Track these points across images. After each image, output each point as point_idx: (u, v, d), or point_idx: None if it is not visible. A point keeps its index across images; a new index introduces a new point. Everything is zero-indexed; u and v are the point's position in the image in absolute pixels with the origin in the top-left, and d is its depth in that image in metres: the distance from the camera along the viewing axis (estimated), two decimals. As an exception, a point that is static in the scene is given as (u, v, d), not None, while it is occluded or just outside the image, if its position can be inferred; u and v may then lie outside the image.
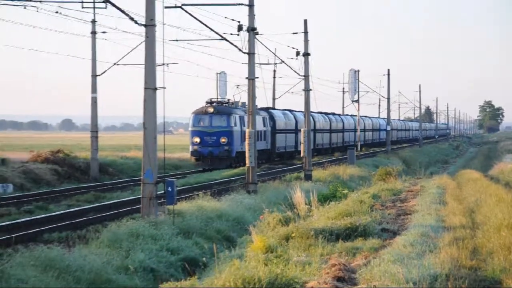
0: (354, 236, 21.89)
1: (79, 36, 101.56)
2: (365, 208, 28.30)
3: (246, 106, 66.72)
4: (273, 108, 79.17)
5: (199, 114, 62.42)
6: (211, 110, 62.05)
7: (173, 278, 19.21)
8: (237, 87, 71.52)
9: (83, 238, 25.51)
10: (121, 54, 52.61)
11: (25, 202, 36.87)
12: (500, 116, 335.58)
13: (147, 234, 24.61)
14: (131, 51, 51.12)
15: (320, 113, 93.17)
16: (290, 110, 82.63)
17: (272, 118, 73.50)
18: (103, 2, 31.04)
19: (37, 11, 34.82)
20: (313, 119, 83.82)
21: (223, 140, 60.70)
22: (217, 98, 67.87)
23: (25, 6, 33.75)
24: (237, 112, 64.01)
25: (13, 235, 24.85)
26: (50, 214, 32.39)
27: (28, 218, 30.85)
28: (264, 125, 70.35)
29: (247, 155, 43.41)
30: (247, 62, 43.69)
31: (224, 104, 64.95)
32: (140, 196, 29.48)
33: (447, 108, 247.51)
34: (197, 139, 60.99)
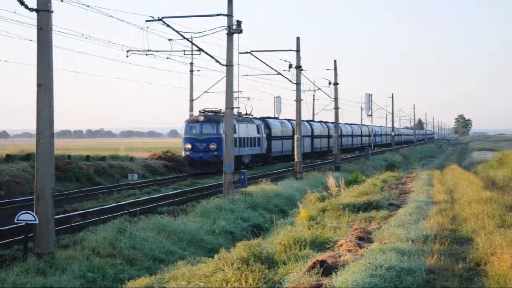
0: (370, 209, 21.62)
1: (182, 73, 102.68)
2: (377, 189, 27.99)
3: (242, 116, 54.06)
4: (270, 118, 63.92)
5: (191, 122, 48.27)
6: (201, 118, 48.02)
7: (245, 238, 19.12)
8: (235, 99, 61.26)
9: (184, 211, 25.57)
10: (209, 85, 53.04)
11: (145, 186, 37.16)
12: (469, 125, 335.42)
13: (227, 208, 24.59)
14: (216, 83, 51.55)
15: (346, 123, 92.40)
16: (289, 120, 67.99)
17: (267, 126, 59.66)
18: (198, 50, 31.12)
19: (155, 57, 35.19)
20: (327, 127, 78.55)
21: (212, 146, 46.84)
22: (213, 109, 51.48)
23: (147, 54, 34.17)
24: None
25: (137, 208, 25.03)
26: (161, 194, 32.58)
27: (147, 197, 31.07)
28: (259, 132, 55.96)
29: (295, 153, 43.20)
30: (295, 89, 43.76)
31: (215, 113, 50.43)
32: (222, 181, 29.54)
33: (433, 119, 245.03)
34: (189, 146, 47.08)
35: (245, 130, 52.32)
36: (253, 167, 54.94)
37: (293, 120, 68.31)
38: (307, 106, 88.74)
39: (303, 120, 67.97)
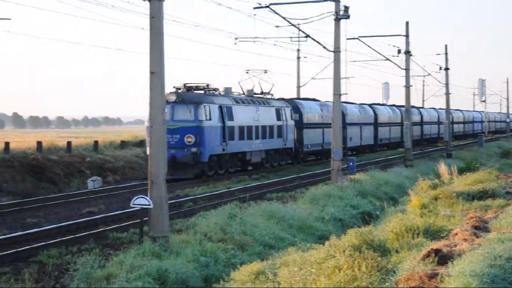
0: (485, 197, 20.91)
1: (289, 60, 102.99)
2: (493, 177, 27.01)
3: (254, 95, 40.15)
4: (301, 99, 48.93)
5: None
6: (173, 98, 31.80)
7: (355, 225, 18.93)
8: (247, 72, 41.03)
9: (293, 197, 25.67)
10: (316, 71, 52.59)
11: (254, 173, 37.48)
12: None
13: (336, 195, 24.50)
14: (323, 69, 51.29)
15: (458, 109, 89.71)
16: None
17: (297, 110, 43.68)
18: (305, 36, 31.04)
19: (262, 44, 35.49)
20: (420, 113, 69.40)
21: (189, 139, 31.43)
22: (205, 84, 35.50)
23: (254, 41, 34.64)
24: (214, 100, 33.53)
25: (247, 194, 25.32)
26: (270, 181, 32.80)
27: (256, 183, 31.38)
28: (279, 119, 40.22)
29: (405, 139, 42.33)
30: (404, 75, 43.02)
31: (194, 91, 34.26)
32: (330, 168, 29.44)
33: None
34: None
35: (252, 115, 37.32)
36: (269, 168, 39.33)
37: (342, 102, 49.97)
38: (416, 92, 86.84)
39: (373, 104, 60.57)
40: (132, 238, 16.91)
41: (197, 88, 34.53)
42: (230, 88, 37.41)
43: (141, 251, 13.96)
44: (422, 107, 74.41)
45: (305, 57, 53.77)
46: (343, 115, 49.07)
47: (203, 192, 27.32)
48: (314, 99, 49.98)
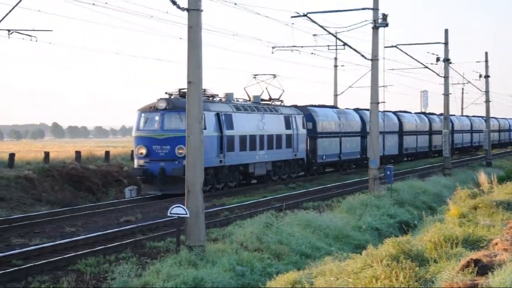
0: (526, 207, 20.53)
1: (325, 68, 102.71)
2: (534, 186, 26.51)
3: (262, 102, 36.61)
4: (316, 106, 44.07)
5: (147, 111, 29.62)
6: (163, 105, 28.95)
7: (392, 235, 18.72)
8: (254, 77, 37.53)
9: (329, 206, 25.54)
10: (353, 80, 52.46)
11: (290, 181, 37.38)
12: None
13: (373, 204, 24.40)
14: (360, 78, 51.09)
15: (494, 117, 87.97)
16: (357, 110, 48.93)
17: (310, 118, 40.25)
18: (342, 45, 31.07)
19: (299, 52, 35.54)
20: (429, 120, 61.89)
21: (180, 150, 27.98)
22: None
23: (292, 50, 34.72)
24: (210, 108, 29.89)
25: (283, 203, 25.26)
26: (306, 190, 32.71)
27: (291, 192, 31.29)
28: (289, 127, 36.79)
29: (443, 148, 41.91)
30: (442, 83, 42.70)
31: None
32: (368, 177, 29.28)
33: None
34: (143, 150, 28.96)
35: (256, 124, 33.84)
36: (277, 180, 36.04)
37: (364, 109, 48.45)
38: (455, 100, 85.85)
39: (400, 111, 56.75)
40: (169, 247, 16.99)
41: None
42: (232, 94, 33.76)
43: (177, 260, 14.04)
44: (453, 115, 71.79)
45: (342, 65, 53.53)
46: (363, 123, 46.69)
47: (239, 201, 27.34)
48: (331, 106, 47.32)
